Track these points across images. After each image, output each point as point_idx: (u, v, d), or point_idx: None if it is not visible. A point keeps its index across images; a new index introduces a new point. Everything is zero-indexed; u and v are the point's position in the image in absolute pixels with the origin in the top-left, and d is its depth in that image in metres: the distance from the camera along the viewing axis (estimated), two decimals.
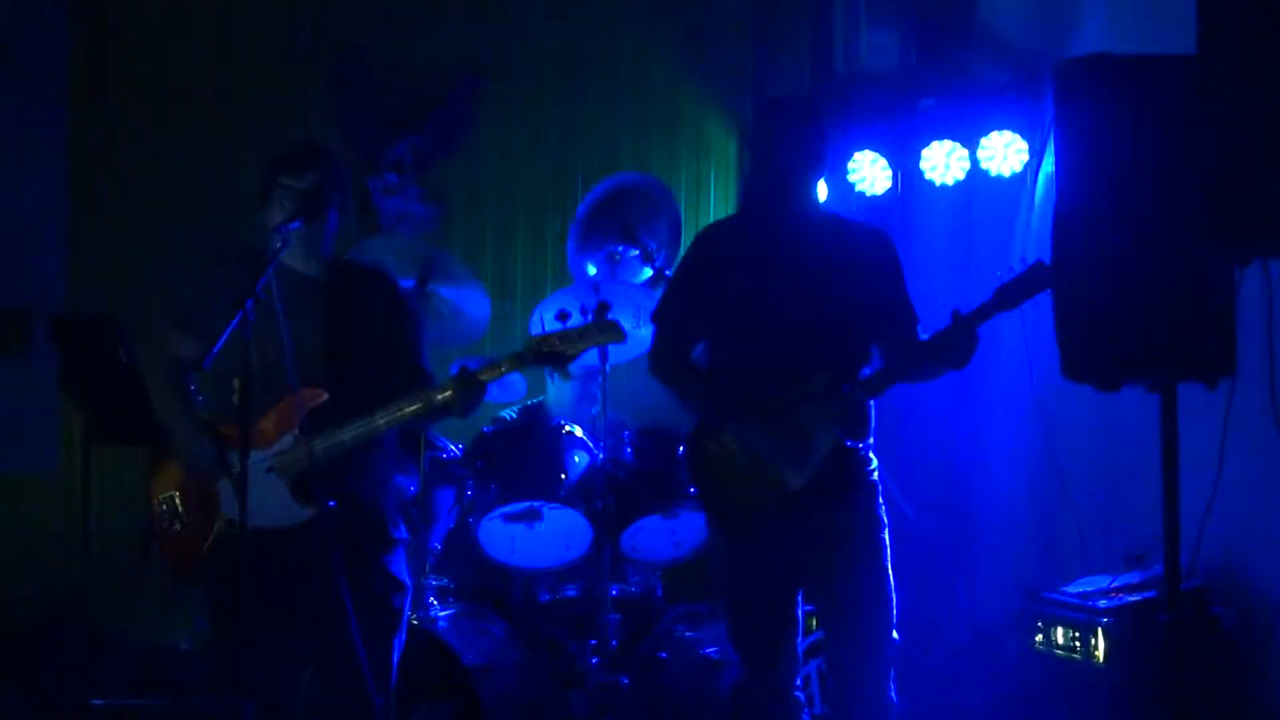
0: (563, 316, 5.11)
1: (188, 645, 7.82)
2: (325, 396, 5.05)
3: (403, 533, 5.36)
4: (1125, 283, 4.66)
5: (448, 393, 5.03)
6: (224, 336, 4.64)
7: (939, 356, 5.18)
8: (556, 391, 7.34)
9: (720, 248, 5.46)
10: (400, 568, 5.29)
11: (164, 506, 5.21)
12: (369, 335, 5.19)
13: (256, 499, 4.80)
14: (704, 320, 5.40)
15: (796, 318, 5.27)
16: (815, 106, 5.49)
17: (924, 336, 5.30)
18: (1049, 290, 4.92)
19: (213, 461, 5.06)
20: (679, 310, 5.44)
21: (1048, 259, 4.97)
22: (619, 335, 5.11)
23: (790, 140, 5.29)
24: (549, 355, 5.07)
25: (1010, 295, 5.07)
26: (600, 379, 6.98)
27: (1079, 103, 4.77)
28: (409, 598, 5.34)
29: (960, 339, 5.14)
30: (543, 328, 5.07)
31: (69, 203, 8.23)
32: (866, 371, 5.37)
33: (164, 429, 5.16)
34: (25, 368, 8.11)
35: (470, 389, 5.06)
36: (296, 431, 5.04)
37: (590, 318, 5.13)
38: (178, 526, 5.19)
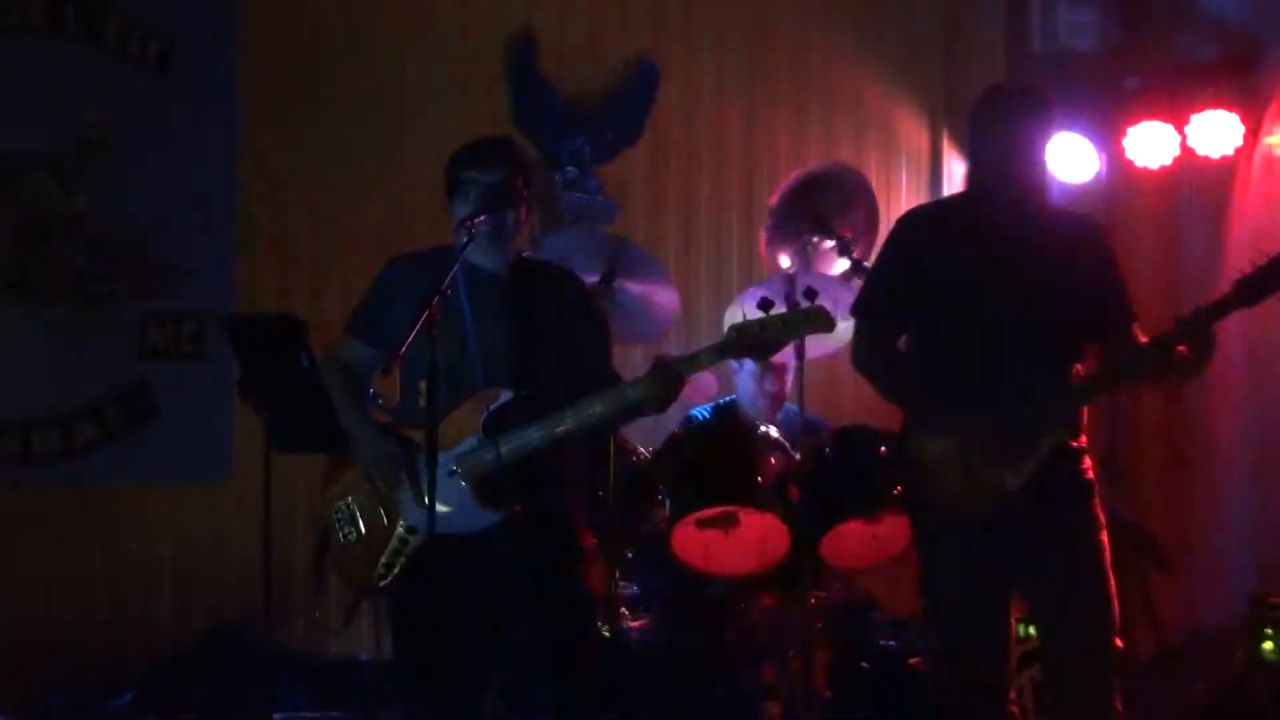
0: (766, 304, 4.83)
1: (368, 657, 7.72)
2: (509, 396, 4.85)
3: (591, 541, 5.18)
4: None
5: (642, 388, 4.81)
6: (412, 335, 4.48)
7: (1172, 360, 4.85)
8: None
9: (932, 235, 5.21)
10: (591, 580, 5.15)
11: (340, 515, 5.06)
12: (556, 336, 5.01)
13: (439, 504, 4.61)
14: (915, 311, 5.13)
15: (1015, 311, 5.00)
16: (1044, 94, 5.20)
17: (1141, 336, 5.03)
18: None
19: (395, 461, 4.88)
20: (889, 300, 5.20)
21: (1272, 243, 4.69)
22: (828, 323, 4.83)
23: (1017, 128, 5.04)
24: (753, 345, 4.81)
25: (1251, 290, 4.72)
26: (793, 376, 6.91)
27: None
28: (599, 611, 5.15)
29: (1198, 336, 4.81)
30: (744, 316, 4.79)
31: (241, 207, 8.16)
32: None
33: (345, 435, 5.02)
34: (201, 373, 8.04)
35: (667, 383, 4.82)
36: (480, 433, 4.84)
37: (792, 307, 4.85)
38: (354, 536, 5.03)
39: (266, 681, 6.87)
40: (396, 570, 4.93)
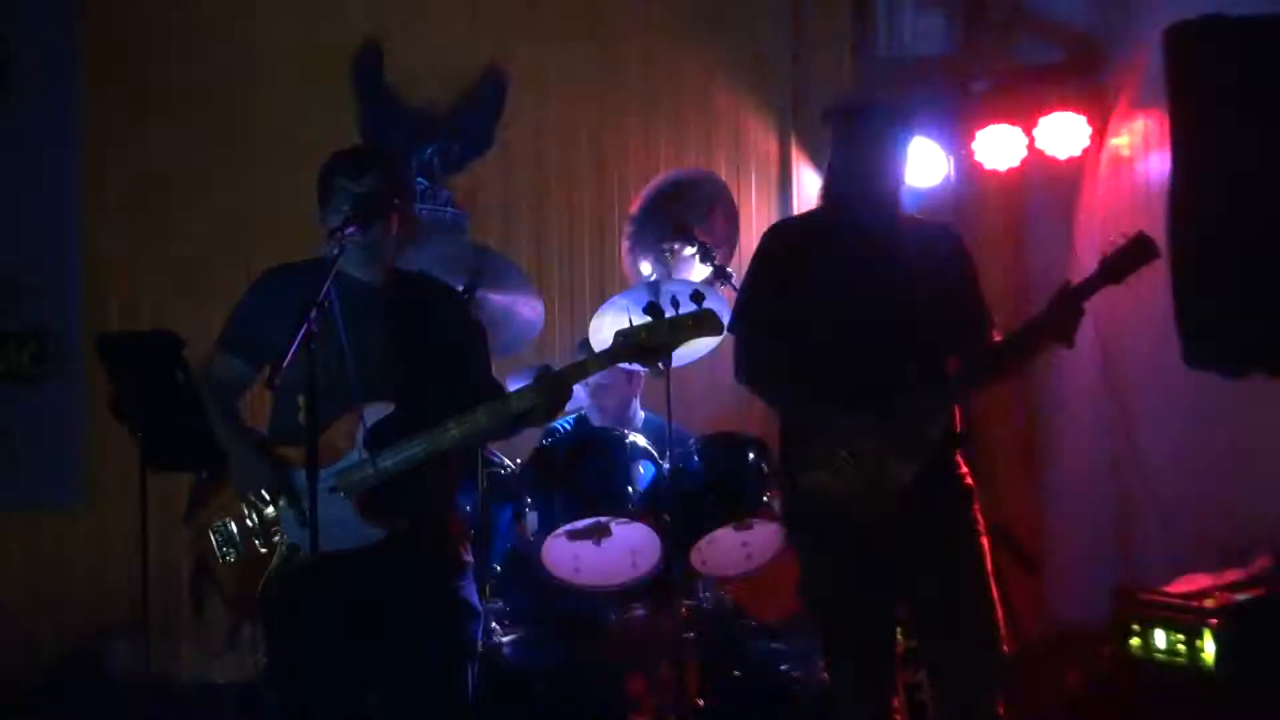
0: (653, 309, 4.78)
1: (223, 680, 7.55)
2: (390, 409, 4.76)
3: (470, 555, 5.09)
4: (1249, 264, 4.42)
5: (528, 398, 4.74)
6: (293, 349, 4.34)
7: (1047, 331, 4.99)
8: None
9: (800, 247, 5.28)
10: (470, 592, 5.04)
11: (218, 536, 4.92)
12: (434, 347, 4.93)
13: (321, 521, 4.49)
14: (790, 322, 5.15)
15: (885, 318, 5.08)
16: (900, 105, 5.31)
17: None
18: (1150, 263, 4.74)
19: (271, 481, 4.76)
20: (764, 313, 5.22)
21: (1123, 239, 4.83)
22: (717, 325, 4.80)
23: (874, 140, 5.14)
24: (642, 350, 4.75)
25: (1115, 268, 4.86)
26: (637, 386, 7.02)
27: (1191, 68, 4.52)
28: (480, 623, 5.09)
29: (1069, 313, 4.93)
30: (630, 322, 4.74)
31: (83, 222, 7.94)
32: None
33: (221, 454, 4.89)
34: (45, 395, 7.81)
35: (554, 393, 4.77)
36: (361, 447, 4.74)
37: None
38: (233, 558, 4.90)
39: (124, 708, 6.70)
40: (278, 590, 4.80)
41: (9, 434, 7.76)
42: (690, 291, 4.83)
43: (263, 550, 4.84)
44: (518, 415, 4.76)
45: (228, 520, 4.91)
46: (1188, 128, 4.51)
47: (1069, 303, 4.92)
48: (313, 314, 4.39)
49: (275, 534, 4.81)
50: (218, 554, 4.92)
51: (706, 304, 4.77)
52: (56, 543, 7.82)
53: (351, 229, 4.70)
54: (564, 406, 4.89)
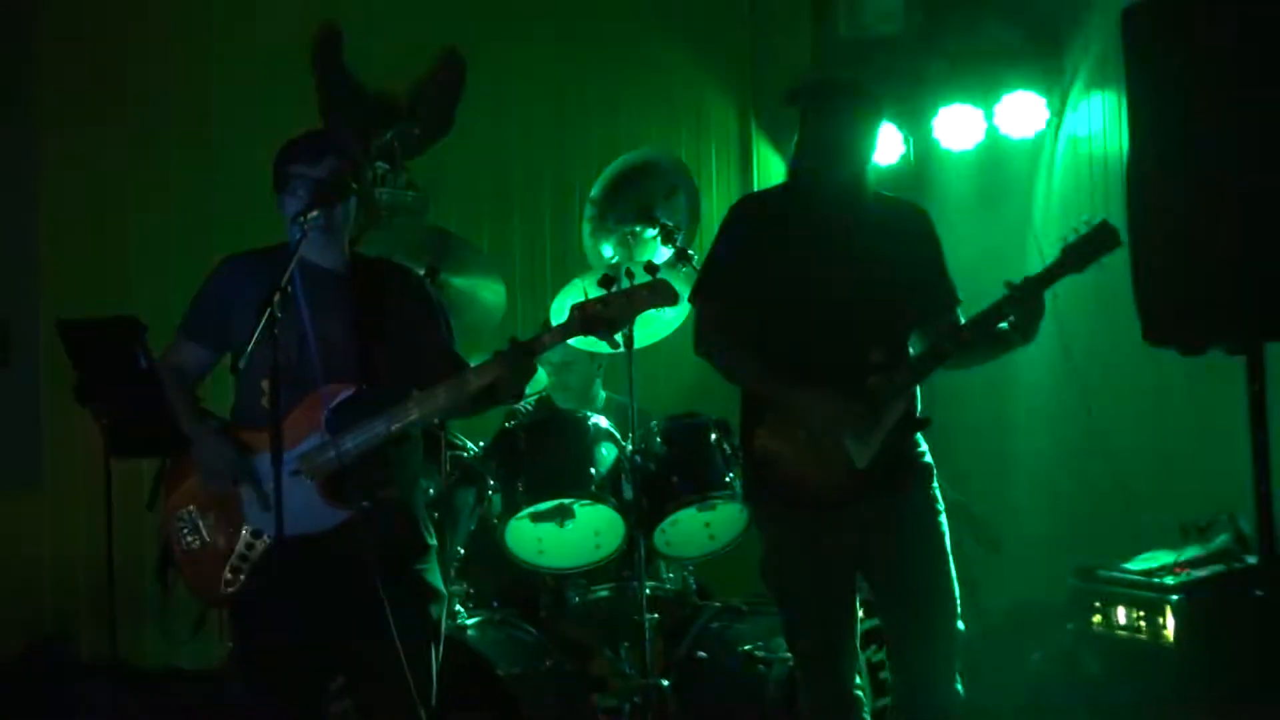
0: (607, 282, 4.78)
1: (189, 667, 7.53)
2: (351, 391, 4.75)
3: (433, 538, 5.09)
4: (1208, 240, 4.44)
5: (489, 373, 4.72)
6: (258, 332, 4.34)
7: (1010, 322, 4.98)
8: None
9: (767, 221, 5.28)
10: (434, 575, 5.03)
11: (181, 522, 4.90)
12: (396, 330, 4.92)
13: (286, 504, 4.47)
14: (752, 295, 5.16)
15: (849, 293, 5.09)
16: (870, 86, 5.30)
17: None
18: (1112, 250, 4.73)
19: (233, 467, 4.75)
20: (728, 285, 5.23)
21: (1077, 219, 4.82)
22: (672, 295, 4.78)
23: (844, 118, 5.15)
24: (596, 322, 4.74)
25: (1077, 256, 4.83)
26: (599, 364, 7.08)
27: (1150, 49, 4.54)
28: (444, 605, 5.07)
29: (1029, 304, 4.92)
30: (585, 293, 4.74)
31: (41, 207, 7.90)
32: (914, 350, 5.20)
33: (185, 439, 4.87)
34: (4, 380, 7.79)
35: (520, 363, 4.75)
36: (323, 430, 4.73)
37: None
38: (197, 545, 4.88)
39: (84, 694, 6.68)
40: (244, 576, 4.79)
41: None
42: (644, 264, 4.85)
43: (228, 537, 4.82)
44: (481, 390, 4.75)
45: (191, 507, 4.89)
46: (1145, 107, 4.51)
47: (1030, 292, 4.90)
48: (275, 298, 4.38)
49: (240, 520, 4.80)
50: (183, 541, 4.90)
51: (660, 276, 4.78)
52: (15, 525, 7.80)
53: (314, 213, 4.69)
54: (530, 377, 4.91)
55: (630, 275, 4.85)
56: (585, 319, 4.74)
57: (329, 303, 4.82)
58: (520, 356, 4.75)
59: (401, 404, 4.73)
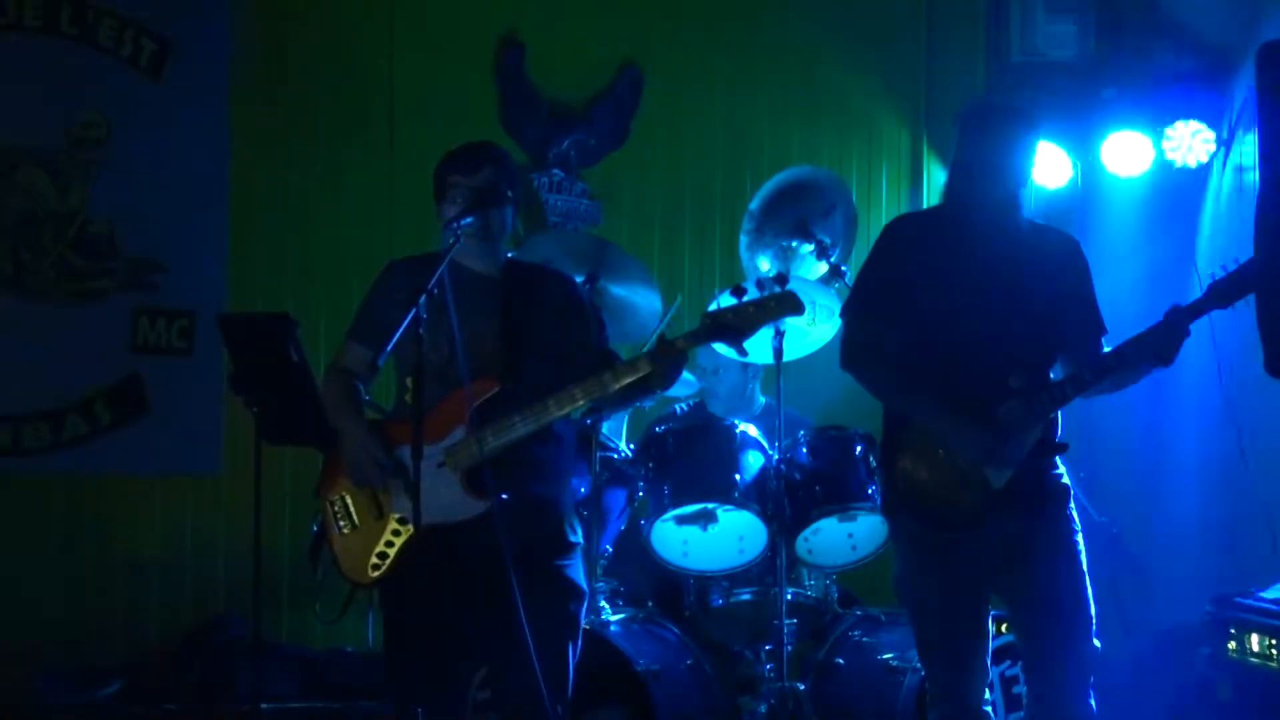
0: (739, 291, 4.95)
1: (353, 649, 7.79)
2: (497, 388, 4.96)
3: (579, 536, 5.26)
4: None
5: (635, 369, 4.93)
6: (398, 333, 4.60)
7: (1150, 350, 5.03)
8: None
9: (920, 241, 5.34)
10: (577, 572, 5.20)
11: (335, 509, 5.16)
12: (544, 332, 5.12)
13: (428, 495, 4.74)
14: (899, 315, 5.25)
15: (997, 317, 5.15)
16: (1029, 111, 5.35)
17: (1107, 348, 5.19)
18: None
19: (378, 461, 4.98)
20: (876, 302, 5.31)
21: (1241, 250, 4.86)
22: (797, 306, 4.94)
23: (998, 140, 5.19)
24: (726, 329, 4.92)
25: (1226, 292, 4.89)
26: (754, 373, 7.16)
27: None
28: (585, 604, 5.26)
29: (1173, 334, 4.98)
30: (718, 303, 4.93)
31: (230, 204, 8.24)
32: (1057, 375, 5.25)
33: (333, 431, 5.12)
34: (190, 369, 8.14)
35: (669, 358, 4.94)
36: (466, 424, 4.95)
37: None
38: (348, 530, 5.13)
39: (252, 672, 6.92)
40: (389, 561, 5.02)
41: (156, 405, 8.12)
42: (775, 276, 4.99)
43: (376, 524, 5.06)
44: (628, 386, 4.95)
45: (345, 494, 5.14)
46: (1273, 141, 4.56)
47: (1175, 324, 4.97)
48: (421, 300, 4.63)
49: (389, 508, 5.03)
50: (336, 526, 5.16)
51: (790, 287, 4.92)
52: (196, 508, 8.16)
53: (467, 220, 4.93)
54: (678, 374, 5.04)
55: (761, 286, 5.00)
56: (715, 325, 4.93)
57: (479, 305, 5.04)
58: (669, 352, 4.94)
59: (540, 401, 4.92)
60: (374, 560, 5.05)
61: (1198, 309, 4.93)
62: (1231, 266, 4.89)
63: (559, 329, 5.16)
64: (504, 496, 4.91)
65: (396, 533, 5.02)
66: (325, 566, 5.22)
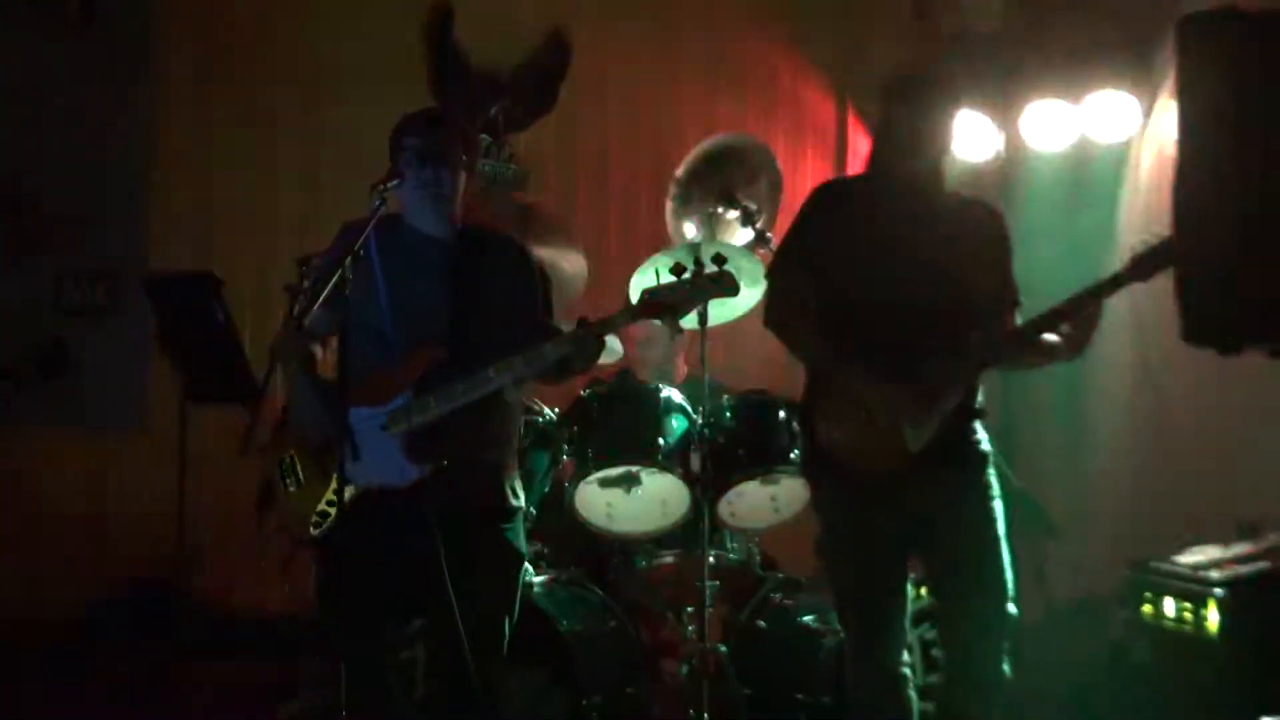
0: (678, 269, 4.99)
1: (280, 609, 7.79)
2: (444, 354, 4.99)
3: (521, 500, 5.30)
4: (1249, 243, 4.52)
5: (563, 347, 4.95)
6: (321, 296, 4.63)
7: (1063, 333, 5.09)
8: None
9: (845, 206, 5.41)
10: (517, 536, 5.25)
11: (283, 467, 5.20)
12: (493, 298, 5.15)
13: (371, 457, 4.81)
14: (822, 278, 5.30)
15: (915, 283, 5.20)
16: (952, 80, 5.39)
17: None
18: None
19: (322, 426, 5.00)
20: (801, 265, 5.37)
21: (1161, 223, 4.80)
22: (734, 288, 4.99)
23: (920, 109, 5.25)
24: (662, 307, 4.95)
25: (1143, 267, 4.93)
26: (678, 340, 7.15)
27: (1203, 58, 4.62)
28: (523, 568, 5.32)
29: (1085, 312, 5.05)
30: (656, 280, 4.95)
31: (155, 166, 8.20)
32: None
33: (258, 389, 5.11)
34: (115, 327, 8.12)
35: (586, 342, 4.97)
36: (411, 389, 4.97)
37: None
38: (294, 487, 5.18)
39: (178, 631, 6.93)
40: (330, 521, 5.04)
41: (81, 364, 8.09)
42: (714, 255, 5.02)
43: (320, 483, 5.09)
44: (556, 362, 4.97)
45: (293, 453, 5.18)
46: (1194, 115, 4.60)
47: (1090, 297, 5.02)
48: (347, 261, 4.65)
49: (332, 469, 5.02)
50: (283, 484, 5.20)
51: (728, 266, 4.96)
52: (120, 466, 8.15)
53: (394, 181, 4.96)
54: (598, 355, 5.06)
55: (699, 264, 5.03)
56: (651, 303, 4.96)
57: (426, 268, 5.08)
58: (587, 335, 4.96)
59: (481, 370, 4.93)
60: (315, 519, 5.08)
61: (1115, 283, 4.98)
62: (1152, 241, 4.95)
63: (507, 297, 5.19)
64: (444, 463, 4.93)
65: (339, 493, 5.04)
66: (269, 523, 5.25)
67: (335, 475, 5.00)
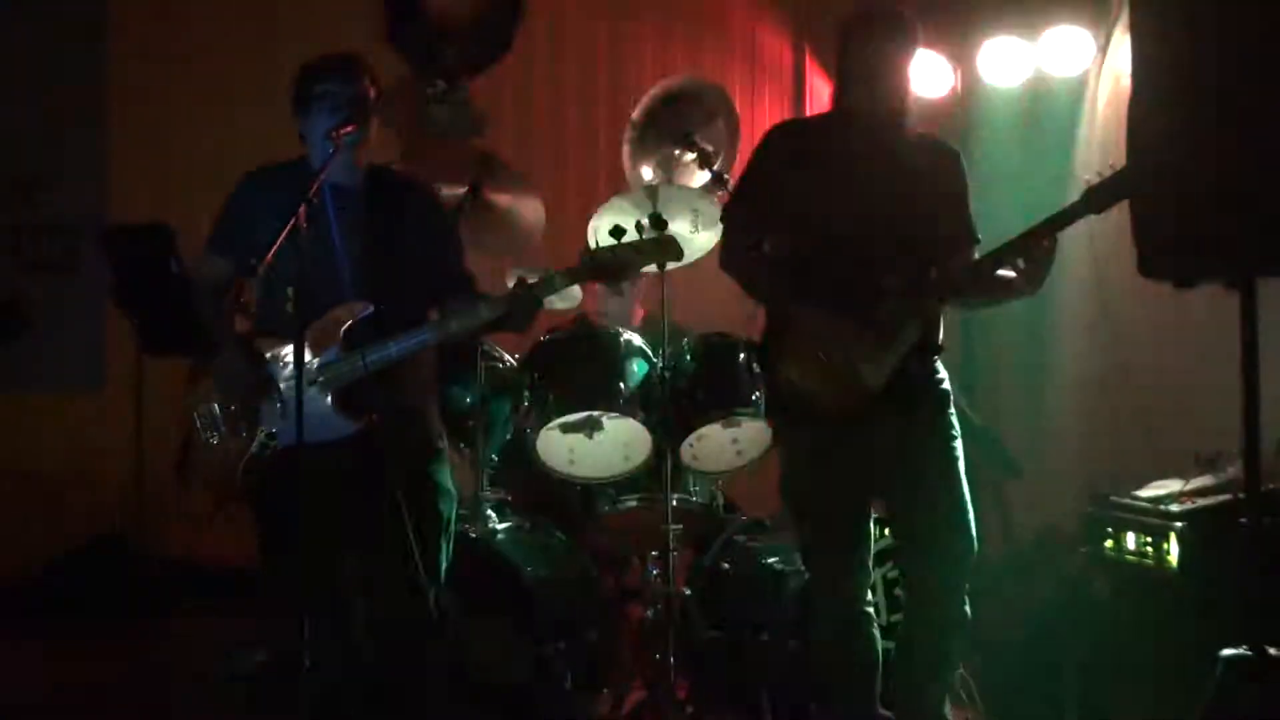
0: (618, 232, 4.98)
1: (241, 562, 7.78)
2: (370, 309, 4.97)
3: (444, 442, 5.31)
4: (1203, 175, 4.52)
5: (499, 307, 4.95)
6: (278, 243, 4.56)
7: (1019, 268, 5.09)
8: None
9: (799, 146, 5.42)
10: (443, 474, 5.24)
11: (203, 418, 5.14)
12: (406, 246, 5.13)
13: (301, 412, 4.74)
14: (777, 217, 5.32)
15: (875, 221, 5.22)
16: (908, 19, 5.38)
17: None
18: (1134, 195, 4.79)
19: (246, 377, 4.98)
20: (754, 206, 5.39)
21: (1118, 157, 4.87)
22: (677, 253, 5.02)
23: (881, 52, 5.26)
24: (603, 270, 4.96)
25: (1098, 199, 4.93)
26: (632, 288, 7.15)
27: None
28: (454, 504, 5.29)
29: (1040, 249, 5.04)
30: (597, 242, 4.94)
31: (110, 119, 8.15)
32: None
33: (213, 341, 5.09)
34: (74, 284, 8.08)
35: (523, 304, 4.98)
36: (339, 344, 4.95)
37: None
38: (215, 440, 5.12)
39: (137, 585, 6.91)
40: (256, 474, 5.03)
41: (39, 322, 8.03)
42: (652, 217, 5.01)
43: (243, 435, 5.06)
44: (490, 322, 4.97)
45: (212, 404, 5.12)
46: (1147, 47, 4.60)
47: (1045, 230, 5.02)
48: (301, 210, 4.61)
49: (257, 421, 5.04)
50: (203, 435, 5.14)
51: (671, 225, 4.96)
52: (81, 424, 8.11)
53: (350, 129, 4.92)
54: (535, 316, 5.08)
55: (640, 230, 5.02)
56: (593, 265, 4.97)
57: (349, 218, 5.06)
58: (526, 298, 4.97)
59: (417, 329, 4.95)
60: (240, 474, 5.06)
61: (1069, 216, 4.99)
62: (1106, 173, 4.96)
63: (422, 243, 5.17)
64: (374, 416, 4.93)
65: (264, 447, 5.02)
66: (191, 475, 5.21)
67: (259, 429, 5.01)
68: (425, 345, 4.98)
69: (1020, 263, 5.09)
